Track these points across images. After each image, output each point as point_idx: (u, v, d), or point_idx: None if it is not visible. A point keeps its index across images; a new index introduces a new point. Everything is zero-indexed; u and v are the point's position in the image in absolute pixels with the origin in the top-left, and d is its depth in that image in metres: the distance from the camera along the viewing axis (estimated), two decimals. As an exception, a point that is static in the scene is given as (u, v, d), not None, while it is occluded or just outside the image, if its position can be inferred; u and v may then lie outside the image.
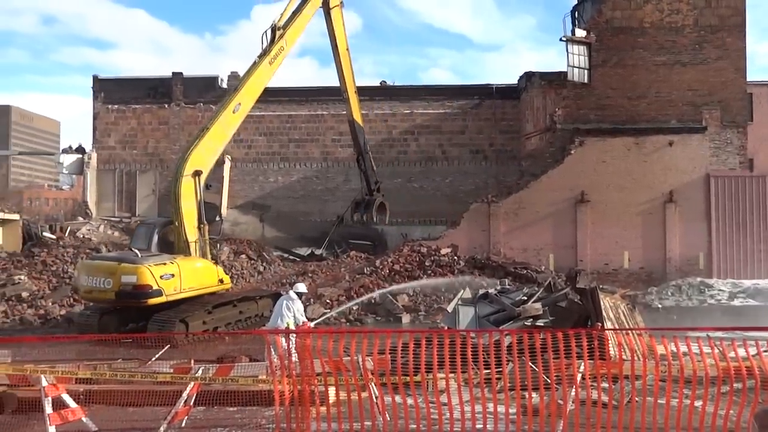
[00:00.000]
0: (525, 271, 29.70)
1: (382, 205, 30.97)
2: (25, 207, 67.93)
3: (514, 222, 32.16)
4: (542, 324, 14.14)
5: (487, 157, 41.38)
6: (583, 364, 8.91)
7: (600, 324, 13.35)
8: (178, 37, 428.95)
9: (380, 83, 44.45)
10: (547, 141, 34.34)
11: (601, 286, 16.60)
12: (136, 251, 20.36)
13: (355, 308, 25.81)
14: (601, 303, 14.19)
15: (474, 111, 41.48)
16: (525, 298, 15.58)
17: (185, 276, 20.48)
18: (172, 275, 20.06)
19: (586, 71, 32.27)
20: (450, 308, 15.95)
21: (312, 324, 17.05)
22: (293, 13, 24.11)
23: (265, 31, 23.20)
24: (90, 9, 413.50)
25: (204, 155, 21.44)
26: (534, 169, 33.95)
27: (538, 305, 14.75)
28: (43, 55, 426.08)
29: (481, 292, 16.77)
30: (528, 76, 38.54)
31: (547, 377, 9.57)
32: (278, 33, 23.07)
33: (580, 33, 32.66)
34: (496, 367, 9.55)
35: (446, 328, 14.32)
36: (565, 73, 32.73)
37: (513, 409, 8.82)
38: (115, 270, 19.45)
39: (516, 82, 40.99)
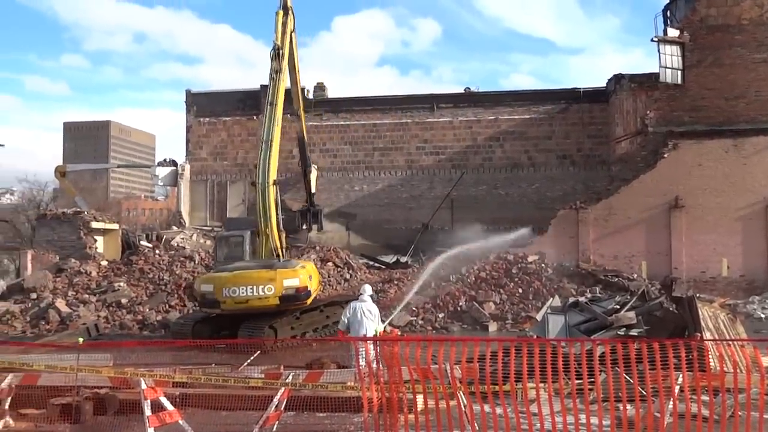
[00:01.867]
0: (616, 279, 28.79)
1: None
2: (123, 217, 71.06)
3: (604, 228, 31.28)
4: (636, 334, 13.68)
5: (575, 163, 40.56)
6: (680, 375, 8.54)
7: (699, 334, 12.79)
8: (262, 50, 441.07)
9: (464, 90, 44.27)
10: (638, 144, 33.31)
11: (698, 295, 15.94)
12: (279, 257, 21.32)
13: (440, 316, 25.76)
14: (700, 312, 13.60)
15: (561, 115, 40.76)
16: (617, 306, 15.10)
17: (313, 277, 22.00)
18: (311, 276, 21.55)
19: (679, 72, 31.12)
20: (539, 317, 15.66)
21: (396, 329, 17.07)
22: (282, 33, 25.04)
23: (271, 50, 24.07)
24: (177, 26, 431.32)
25: (275, 165, 22.37)
26: (624, 173, 32.95)
27: (632, 314, 14.27)
28: (135, 71, 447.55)
29: (571, 300, 16.39)
30: (617, 79, 37.55)
31: (643, 389, 9.22)
32: (280, 52, 23.96)
33: (673, 32, 31.54)
34: (588, 378, 9.28)
35: (535, 336, 14.05)
36: (656, 75, 31.68)
37: (606, 421, 8.55)
38: (275, 276, 20.33)
39: (604, 84, 40.02)
